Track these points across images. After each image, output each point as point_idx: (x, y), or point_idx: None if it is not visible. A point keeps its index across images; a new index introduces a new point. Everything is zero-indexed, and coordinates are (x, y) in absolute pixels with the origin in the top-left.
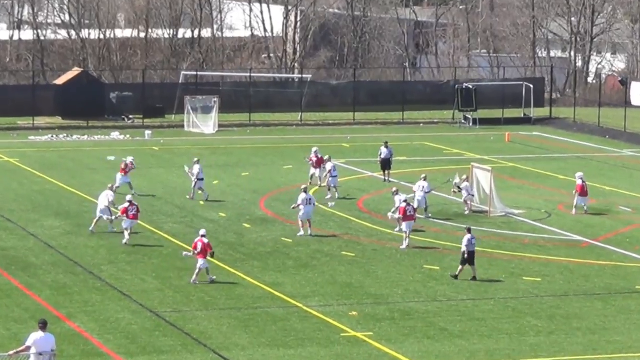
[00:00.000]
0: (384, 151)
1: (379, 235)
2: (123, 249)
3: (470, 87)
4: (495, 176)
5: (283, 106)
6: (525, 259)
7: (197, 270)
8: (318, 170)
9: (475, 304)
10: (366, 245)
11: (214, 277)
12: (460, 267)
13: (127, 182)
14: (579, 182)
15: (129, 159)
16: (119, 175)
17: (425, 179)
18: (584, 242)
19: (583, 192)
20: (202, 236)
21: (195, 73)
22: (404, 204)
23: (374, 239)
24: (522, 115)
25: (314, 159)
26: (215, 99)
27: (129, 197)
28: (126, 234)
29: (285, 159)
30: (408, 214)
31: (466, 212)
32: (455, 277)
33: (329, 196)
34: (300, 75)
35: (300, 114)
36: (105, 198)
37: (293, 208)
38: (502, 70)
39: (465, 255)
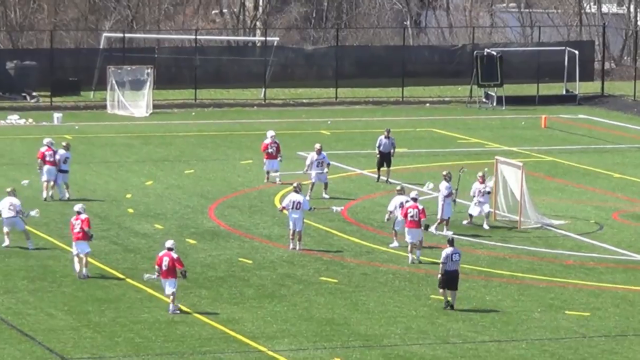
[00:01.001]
0: (383, 142)
1: (371, 254)
2: (24, 273)
3: (494, 53)
4: (527, 174)
5: (240, 80)
6: (568, 287)
7: (171, 297)
8: (275, 162)
9: (501, 347)
10: (353, 267)
11: (177, 309)
12: (442, 291)
13: (52, 180)
14: None
15: (47, 140)
16: (46, 168)
17: (447, 177)
18: None
19: None
20: (169, 249)
21: (121, 35)
22: (409, 203)
23: (364, 260)
24: (564, 92)
25: (274, 147)
26: (149, 70)
27: (77, 207)
28: (75, 262)
29: (244, 151)
30: (410, 218)
31: (464, 222)
32: (450, 306)
33: (307, 197)
34: (263, 38)
35: (263, 90)
36: (6, 208)
37: (280, 211)
38: (537, 31)
39: (439, 275)
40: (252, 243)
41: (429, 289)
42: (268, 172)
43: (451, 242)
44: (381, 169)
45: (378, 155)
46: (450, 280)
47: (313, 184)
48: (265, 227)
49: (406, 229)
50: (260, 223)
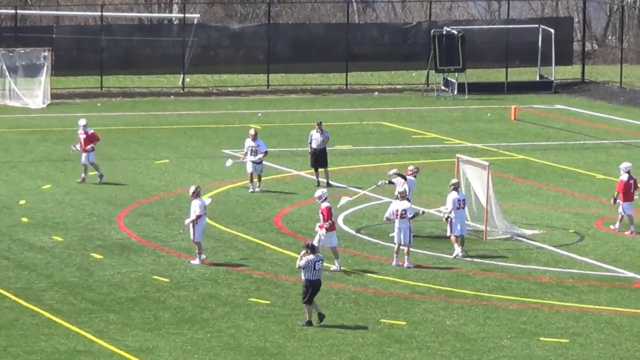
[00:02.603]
0: (316, 137)
1: None
2: None
3: (455, 33)
4: (495, 176)
5: (154, 65)
6: (543, 308)
7: None
8: (90, 155)
9: None
10: (289, 286)
11: None
12: (308, 306)
13: None
14: (624, 176)
15: None
16: None
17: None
18: (636, 280)
19: (628, 193)
20: None
21: (13, 11)
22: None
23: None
24: (538, 78)
25: (82, 138)
26: (46, 54)
27: None
28: None
29: (158, 148)
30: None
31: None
32: (321, 317)
33: (253, 189)
34: (181, 15)
35: (181, 76)
36: None
37: (189, 224)
38: (505, 5)
39: (305, 287)
40: (169, 258)
41: (378, 311)
42: (85, 167)
43: (312, 249)
44: (318, 170)
45: (310, 153)
46: (315, 291)
47: (251, 174)
48: (184, 239)
49: (329, 233)
50: (178, 234)
